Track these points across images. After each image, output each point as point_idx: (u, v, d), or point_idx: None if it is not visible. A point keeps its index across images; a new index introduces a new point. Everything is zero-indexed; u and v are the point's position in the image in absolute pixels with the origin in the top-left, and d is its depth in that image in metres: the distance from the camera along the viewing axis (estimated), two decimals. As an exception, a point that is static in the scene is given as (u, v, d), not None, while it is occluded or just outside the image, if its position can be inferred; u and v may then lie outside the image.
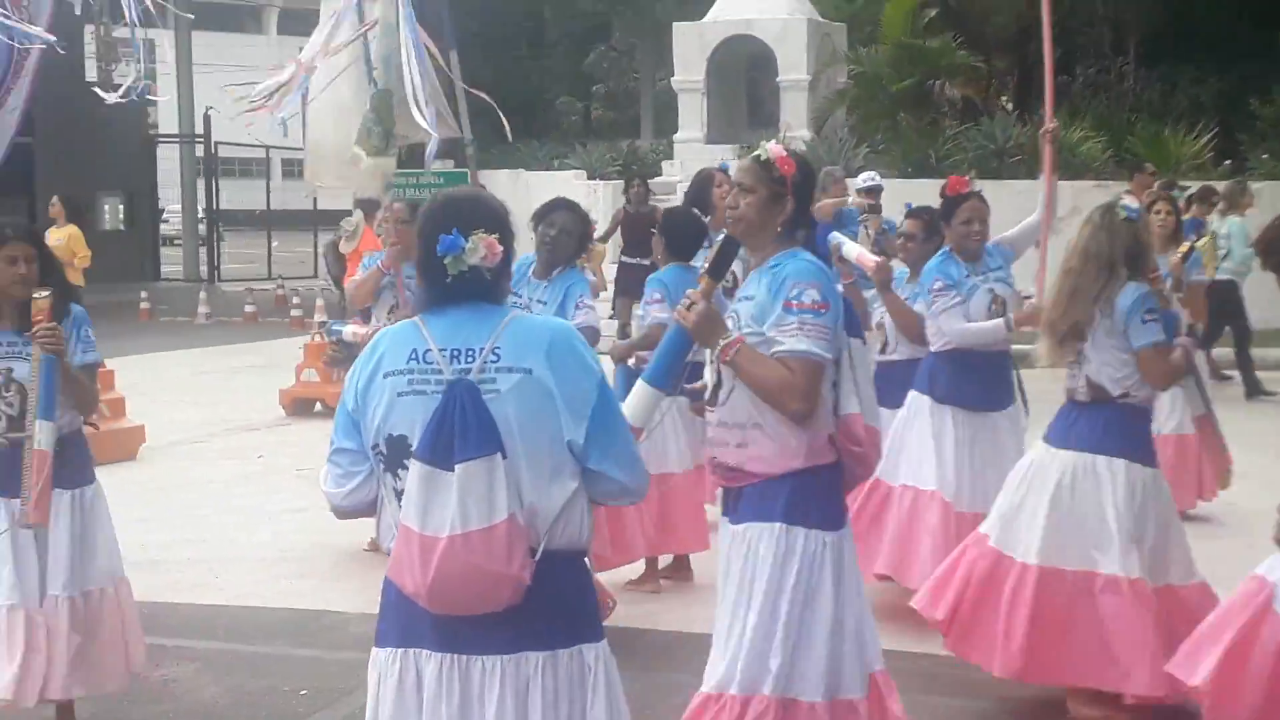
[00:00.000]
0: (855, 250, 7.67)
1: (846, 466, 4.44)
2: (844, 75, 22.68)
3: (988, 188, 18.50)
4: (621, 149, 23.39)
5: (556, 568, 3.29)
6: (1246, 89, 21.89)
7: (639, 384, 4.42)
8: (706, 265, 4.45)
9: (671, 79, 23.21)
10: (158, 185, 32.51)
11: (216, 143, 30.51)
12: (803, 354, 4.26)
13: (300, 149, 24.78)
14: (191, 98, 31.12)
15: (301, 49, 9.79)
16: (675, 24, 23.28)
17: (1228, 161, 20.05)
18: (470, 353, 3.31)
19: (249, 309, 23.13)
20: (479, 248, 3.36)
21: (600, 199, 20.81)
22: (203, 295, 24.33)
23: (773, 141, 4.56)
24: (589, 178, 21.57)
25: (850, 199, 12.78)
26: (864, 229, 12.33)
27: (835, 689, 4.42)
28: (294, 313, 22.63)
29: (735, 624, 4.40)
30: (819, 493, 4.38)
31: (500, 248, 3.36)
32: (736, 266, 5.54)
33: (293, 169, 33.89)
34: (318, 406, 13.61)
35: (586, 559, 3.51)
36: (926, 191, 18.25)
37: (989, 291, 6.98)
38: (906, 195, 17.57)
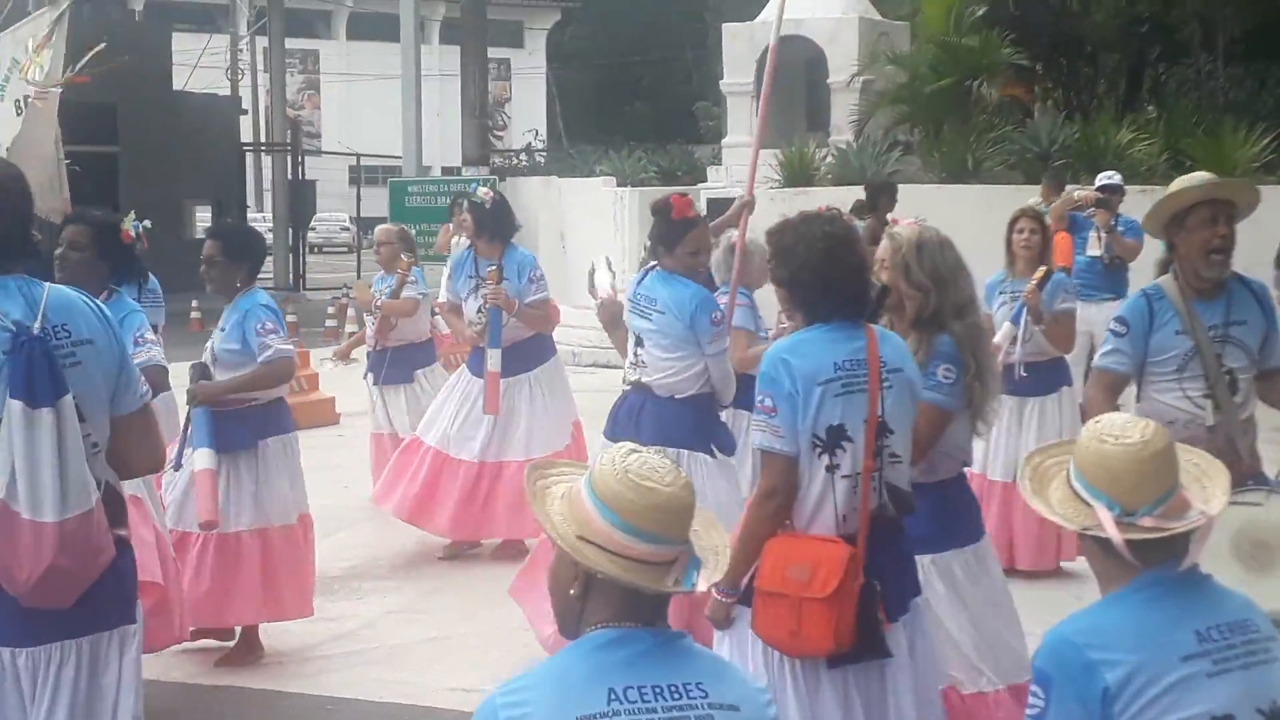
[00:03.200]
0: (602, 279, 6.91)
1: None
2: (903, 77, 21.61)
3: (1032, 192, 17.55)
4: (665, 154, 22.64)
5: None
6: (1336, 87, 20.28)
7: None
8: None
9: (720, 82, 22.37)
10: (246, 193, 32.73)
11: (304, 151, 30.59)
12: None
13: (395, 156, 24.50)
14: (284, 105, 31.31)
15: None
16: (725, 25, 22.46)
17: (1288, 165, 18.50)
18: None
19: (290, 319, 22.78)
20: None
21: (625, 207, 20.12)
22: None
23: None
24: (618, 184, 20.87)
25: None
26: (1095, 230, 12.49)
27: None
28: (329, 323, 22.31)
29: None
30: None
31: None
32: None
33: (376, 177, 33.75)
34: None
35: None
36: (965, 197, 17.25)
37: None
38: (942, 202, 16.68)
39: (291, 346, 6.76)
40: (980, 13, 20.44)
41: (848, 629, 4.11)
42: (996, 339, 8.92)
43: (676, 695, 2.67)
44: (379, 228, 10.66)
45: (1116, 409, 5.49)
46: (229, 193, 31.37)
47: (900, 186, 18.36)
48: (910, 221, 5.21)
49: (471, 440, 8.63)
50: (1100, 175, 13.50)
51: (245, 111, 32.66)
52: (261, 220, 37.57)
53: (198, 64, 40.44)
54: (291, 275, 30.49)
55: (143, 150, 28.89)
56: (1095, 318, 11.17)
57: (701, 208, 20.29)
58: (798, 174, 19.50)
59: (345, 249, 40.51)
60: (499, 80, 69.03)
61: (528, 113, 65.99)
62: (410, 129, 22.11)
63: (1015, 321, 8.68)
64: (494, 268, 8.50)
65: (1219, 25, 23.02)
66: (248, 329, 6.67)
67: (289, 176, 30.14)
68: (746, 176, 22.40)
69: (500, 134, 62.14)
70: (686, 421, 6.24)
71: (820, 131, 21.73)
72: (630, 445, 2.81)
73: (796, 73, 22.84)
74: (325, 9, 63.34)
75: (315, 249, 50.76)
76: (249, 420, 6.88)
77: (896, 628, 4.27)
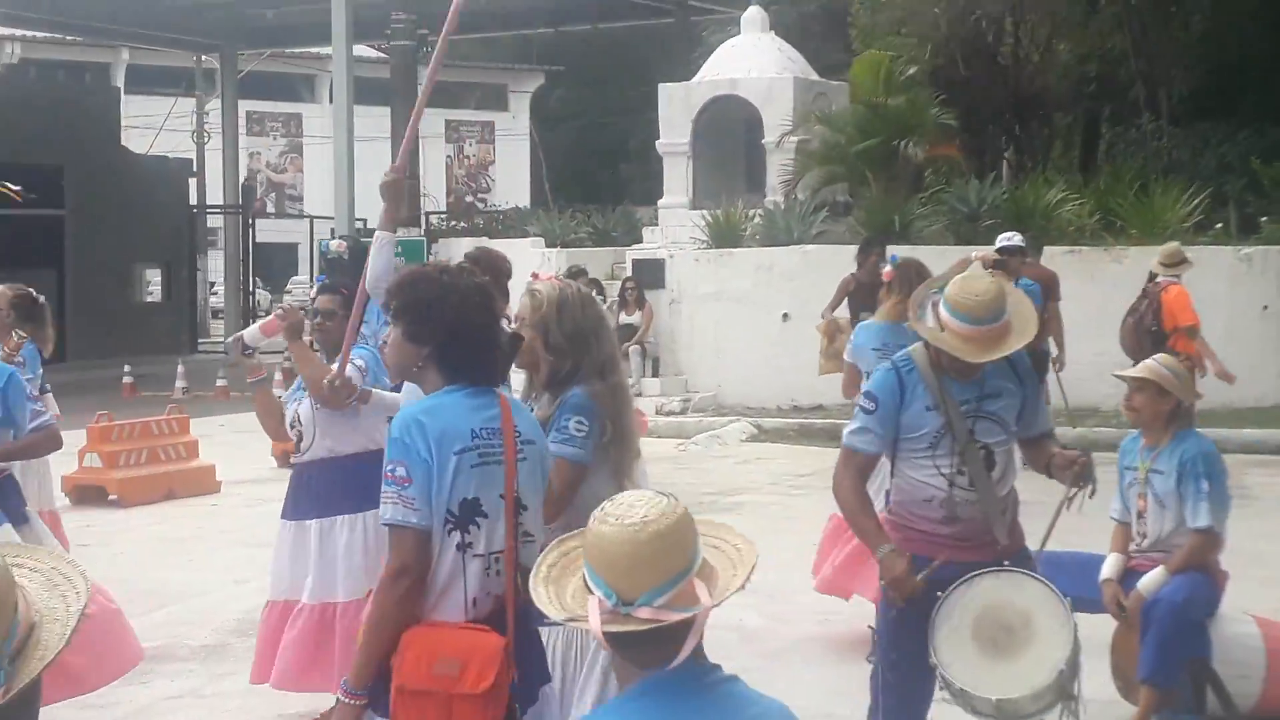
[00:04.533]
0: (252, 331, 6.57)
1: None
2: (836, 138, 21.28)
3: (960, 254, 17.34)
4: (600, 215, 22.32)
5: None
6: (1274, 146, 19.97)
7: None
8: None
9: (657, 142, 22.07)
10: (196, 255, 32.31)
11: (254, 214, 30.28)
12: None
13: (357, 219, 23.99)
14: (236, 168, 31.03)
15: None
16: (660, 85, 22.17)
17: (1219, 225, 18.17)
18: None
19: (220, 383, 22.25)
20: None
21: (551, 268, 19.73)
22: (180, 369, 23.40)
23: None
24: (547, 245, 20.55)
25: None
26: None
27: None
28: (219, 382, 21.89)
29: None
30: None
31: None
32: None
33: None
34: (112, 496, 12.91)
35: None
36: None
37: None
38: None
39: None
40: (910, 72, 20.20)
41: None
42: None
43: None
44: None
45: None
46: (178, 255, 31.03)
47: (827, 248, 18.14)
48: (550, 276, 4.85)
49: None
50: (1000, 236, 13.14)
51: (195, 174, 32.37)
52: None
53: (163, 126, 40.33)
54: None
55: (89, 212, 28.59)
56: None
57: (627, 268, 20.01)
58: (725, 235, 19.20)
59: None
60: (484, 143, 68.91)
61: (513, 176, 65.80)
62: (343, 189, 21.85)
63: None
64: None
65: (1162, 85, 22.80)
66: None
67: (240, 239, 29.85)
68: (679, 237, 21.94)
69: (484, 196, 61.86)
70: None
71: (757, 192, 21.44)
72: None
73: (736, 132, 22.56)
74: (309, 73, 63.44)
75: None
76: None
77: None
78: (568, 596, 2.76)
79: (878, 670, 5.02)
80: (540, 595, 2.79)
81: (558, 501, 4.35)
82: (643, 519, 2.64)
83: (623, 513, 2.67)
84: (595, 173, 53.66)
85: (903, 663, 4.97)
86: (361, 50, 31.47)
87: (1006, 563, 4.92)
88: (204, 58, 36.01)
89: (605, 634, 2.62)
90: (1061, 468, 4.93)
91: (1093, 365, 14.63)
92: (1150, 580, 6.35)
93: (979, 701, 4.74)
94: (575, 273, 15.09)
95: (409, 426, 3.84)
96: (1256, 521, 11.03)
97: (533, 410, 4.72)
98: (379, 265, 6.68)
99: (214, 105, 36.07)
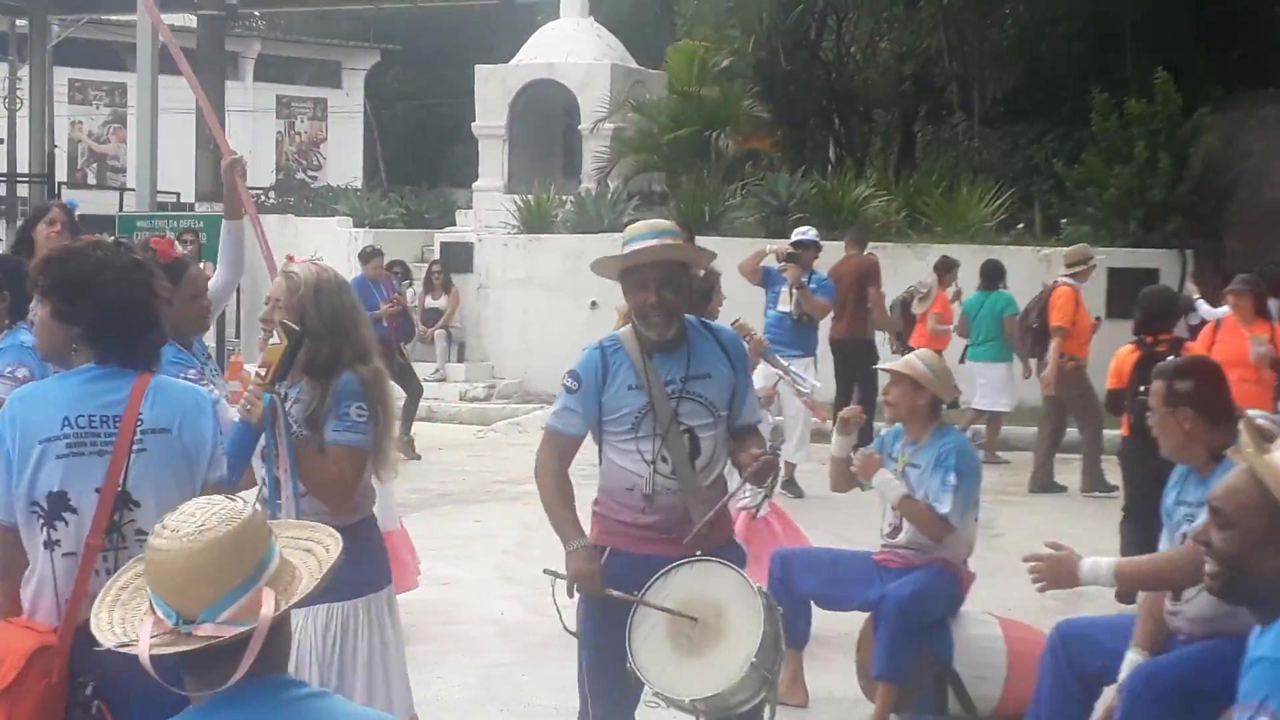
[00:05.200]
0: None
1: None
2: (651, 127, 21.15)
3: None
4: (415, 196, 21.94)
5: None
6: (1079, 150, 20.29)
7: None
8: None
9: (472, 124, 21.73)
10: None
11: (60, 183, 29.27)
12: None
13: (170, 192, 23.23)
14: (45, 136, 29.94)
15: None
16: (477, 66, 21.82)
17: (1019, 225, 18.46)
18: None
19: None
20: None
21: (358, 248, 19.33)
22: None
23: None
24: (354, 225, 20.11)
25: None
26: (787, 286, 12.19)
27: None
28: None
29: None
30: None
31: None
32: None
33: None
34: None
35: None
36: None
37: None
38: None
39: None
40: (725, 64, 20.16)
41: None
42: None
43: None
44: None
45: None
46: (-20, 224, 29.84)
47: (635, 236, 18.00)
48: (305, 260, 4.61)
49: None
50: (796, 231, 13.14)
51: (1, 141, 31.19)
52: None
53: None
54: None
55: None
56: (782, 374, 10.94)
57: (435, 252, 19.67)
58: (535, 220, 18.97)
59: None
60: (315, 120, 67.72)
61: (345, 154, 64.56)
62: (144, 161, 21.17)
63: None
64: None
65: (976, 87, 23.09)
66: None
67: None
68: (492, 221, 21.65)
69: (315, 174, 60.65)
70: None
71: (574, 179, 21.25)
72: None
73: (555, 117, 22.34)
74: (133, 41, 61.67)
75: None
76: None
77: None
78: (137, 619, 2.51)
79: (581, 668, 4.86)
80: (100, 620, 2.54)
81: (346, 489, 4.39)
82: (199, 528, 2.42)
83: (180, 523, 2.44)
84: (431, 153, 52.99)
85: (604, 659, 4.80)
86: (182, 19, 30.58)
87: (699, 553, 4.75)
88: (19, 23, 34.76)
89: (169, 656, 2.39)
90: (744, 464, 4.79)
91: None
92: (886, 478, 6.32)
93: (678, 702, 4.61)
94: (368, 254, 14.77)
95: (3, 412, 3.67)
96: (1037, 519, 11.16)
97: (285, 395, 4.45)
98: (230, 255, 6.24)
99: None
